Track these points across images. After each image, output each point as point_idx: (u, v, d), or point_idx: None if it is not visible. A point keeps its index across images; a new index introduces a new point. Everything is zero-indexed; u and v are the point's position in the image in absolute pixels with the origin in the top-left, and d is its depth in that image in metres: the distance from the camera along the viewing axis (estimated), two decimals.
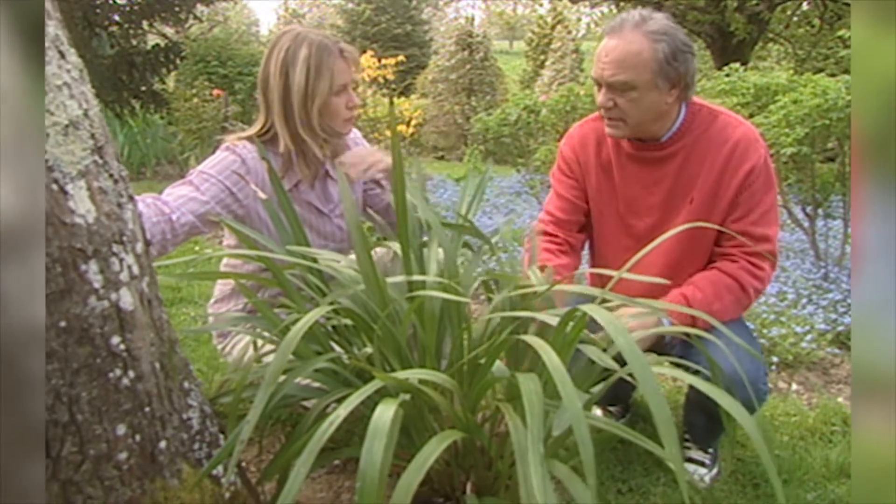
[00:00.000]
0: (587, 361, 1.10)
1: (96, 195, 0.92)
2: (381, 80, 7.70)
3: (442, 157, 10.26)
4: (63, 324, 0.87)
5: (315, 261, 1.29)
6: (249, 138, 1.61)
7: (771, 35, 9.69)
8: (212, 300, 1.79)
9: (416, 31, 16.58)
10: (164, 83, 7.93)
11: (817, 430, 1.95)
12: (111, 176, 0.96)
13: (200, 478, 1.05)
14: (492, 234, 1.50)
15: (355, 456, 1.43)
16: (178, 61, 7.39)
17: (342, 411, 0.83)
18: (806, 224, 3.42)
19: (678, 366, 1.07)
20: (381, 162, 1.64)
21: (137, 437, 0.97)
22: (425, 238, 1.37)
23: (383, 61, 7.71)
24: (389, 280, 1.21)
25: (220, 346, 1.77)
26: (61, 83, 0.89)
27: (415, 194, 1.35)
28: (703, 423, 1.64)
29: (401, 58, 8.31)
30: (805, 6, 9.47)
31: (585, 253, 1.83)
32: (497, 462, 1.14)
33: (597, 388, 1.10)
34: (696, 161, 1.54)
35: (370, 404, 0.90)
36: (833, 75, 3.45)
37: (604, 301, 1.10)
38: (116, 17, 7.13)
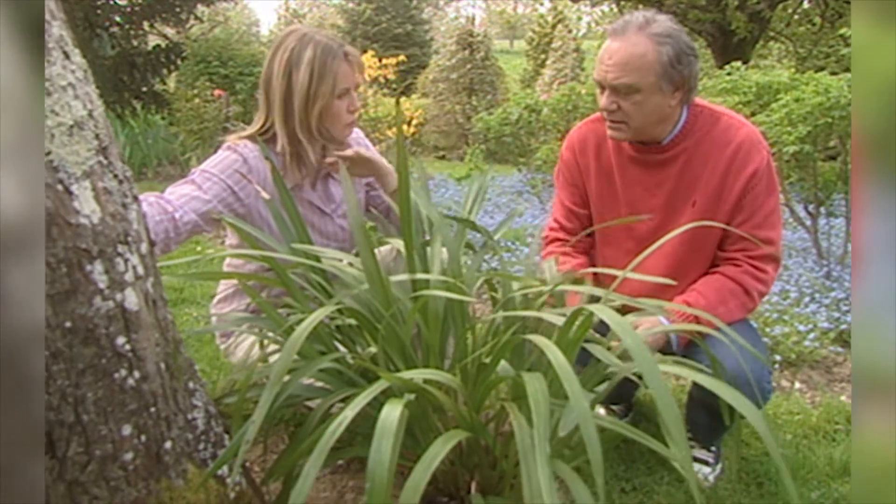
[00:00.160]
0: (592, 360, 1.10)
1: (101, 195, 0.92)
2: (381, 79, 7.70)
3: (443, 157, 10.26)
4: (68, 324, 0.88)
5: (318, 260, 1.29)
6: (251, 138, 1.61)
7: (772, 33, 9.67)
8: (214, 300, 1.79)
9: (416, 31, 16.57)
10: (165, 84, 7.94)
11: (821, 428, 1.94)
12: (116, 176, 0.97)
13: (206, 478, 1.05)
14: (493, 232, 1.50)
15: (359, 455, 1.43)
16: (178, 62, 7.40)
17: (349, 412, 0.83)
18: (808, 222, 3.42)
19: (681, 364, 1.07)
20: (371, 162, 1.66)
21: (143, 438, 0.97)
22: (426, 238, 1.37)
23: (384, 61, 7.71)
24: (393, 279, 1.21)
25: (223, 347, 1.78)
26: (66, 84, 0.89)
27: (418, 193, 1.35)
28: (706, 421, 1.64)
29: (401, 57, 8.31)
30: (806, 4, 9.45)
31: None
32: (502, 461, 1.14)
33: (601, 387, 1.11)
34: (698, 163, 1.53)
35: (374, 404, 0.90)
36: (835, 73, 3.45)
37: (608, 301, 1.09)
38: (117, 18, 7.14)
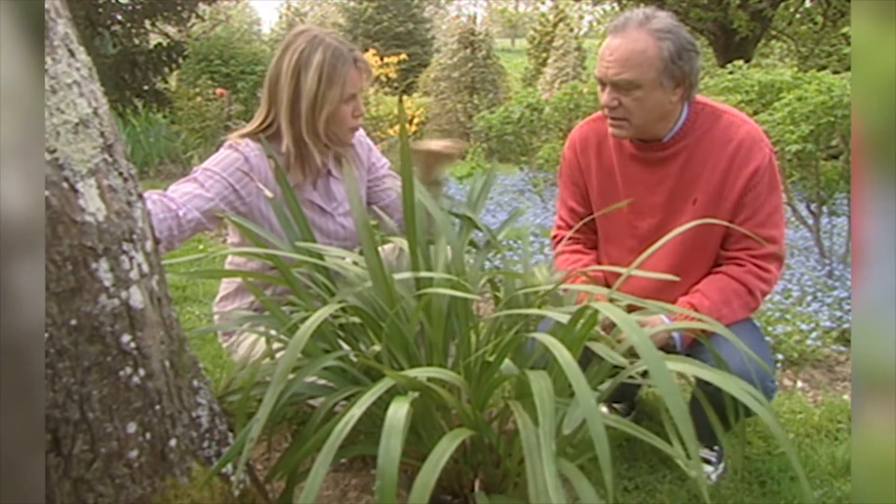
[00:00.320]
0: (596, 358, 1.10)
1: (106, 193, 0.92)
2: (383, 78, 7.69)
3: None
4: (74, 322, 0.88)
5: (322, 258, 1.29)
6: (254, 136, 1.61)
7: (774, 32, 9.66)
8: (217, 298, 1.79)
9: (418, 30, 16.56)
10: (166, 82, 7.94)
11: (823, 427, 1.94)
12: (121, 174, 0.97)
13: (210, 476, 1.05)
14: (496, 231, 1.51)
15: (362, 454, 1.43)
16: (180, 60, 7.41)
17: (356, 411, 0.83)
18: (810, 221, 3.42)
19: (687, 362, 1.07)
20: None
21: (148, 436, 0.97)
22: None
23: (385, 60, 7.71)
24: (397, 277, 1.21)
25: (225, 345, 1.78)
26: (71, 81, 0.89)
27: (422, 191, 1.35)
28: (710, 420, 1.64)
29: (403, 56, 8.31)
30: (808, 3, 9.44)
31: None
32: (505, 460, 1.14)
33: (603, 386, 1.11)
34: (699, 161, 1.53)
35: (378, 402, 0.90)
36: (837, 72, 3.45)
37: (612, 300, 1.10)
38: (119, 17, 7.15)
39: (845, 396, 2.17)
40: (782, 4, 8.87)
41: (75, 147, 0.88)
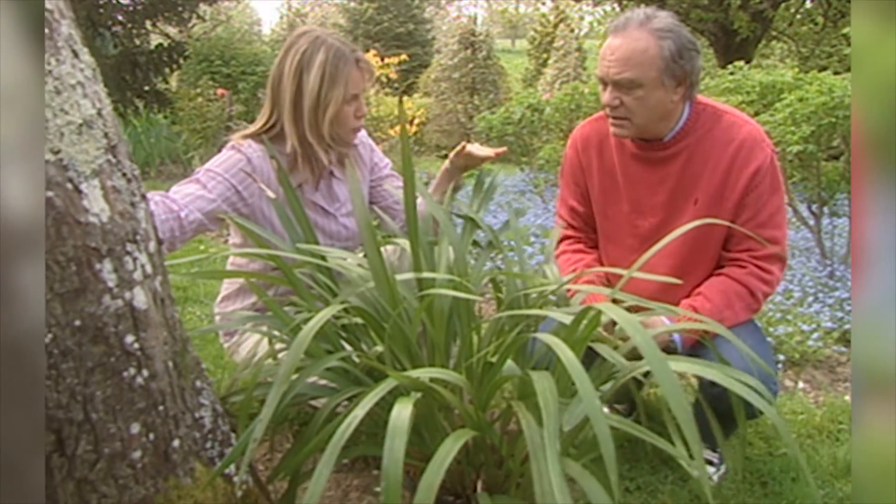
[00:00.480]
0: (598, 359, 1.10)
1: (110, 194, 0.92)
2: (383, 79, 7.69)
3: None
4: (78, 323, 0.88)
5: (324, 259, 1.30)
6: (257, 137, 1.61)
7: (774, 33, 9.65)
8: (218, 298, 1.80)
9: (418, 30, 16.55)
10: (167, 83, 7.94)
11: (824, 428, 1.94)
12: (124, 175, 0.97)
13: (213, 476, 1.05)
14: (498, 232, 1.51)
15: (364, 454, 1.43)
16: (181, 61, 7.41)
17: (360, 411, 0.83)
18: (812, 222, 3.42)
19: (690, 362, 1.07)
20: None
21: (151, 436, 0.98)
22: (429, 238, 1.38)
23: (386, 60, 7.70)
24: (399, 277, 1.21)
25: (226, 345, 1.78)
26: (75, 82, 0.89)
27: (424, 192, 1.35)
28: (712, 422, 1.64)
29: (403, 57, 8.30)
30: (808, 4, 9.43)
31: None
32: (508, 460, 1.14)
33: (607, 386, 1.11)
34: (700, 161, 1.53)
35: (380, 403, 0.90)
36: (838, 73, 3.45)
37: (615, 301, 1.10)
38: (120, 17, 7.15)
39: (847, 397, 2.17)
40: (783, 5, 8.86)
41: (79, 148, 0.88)
